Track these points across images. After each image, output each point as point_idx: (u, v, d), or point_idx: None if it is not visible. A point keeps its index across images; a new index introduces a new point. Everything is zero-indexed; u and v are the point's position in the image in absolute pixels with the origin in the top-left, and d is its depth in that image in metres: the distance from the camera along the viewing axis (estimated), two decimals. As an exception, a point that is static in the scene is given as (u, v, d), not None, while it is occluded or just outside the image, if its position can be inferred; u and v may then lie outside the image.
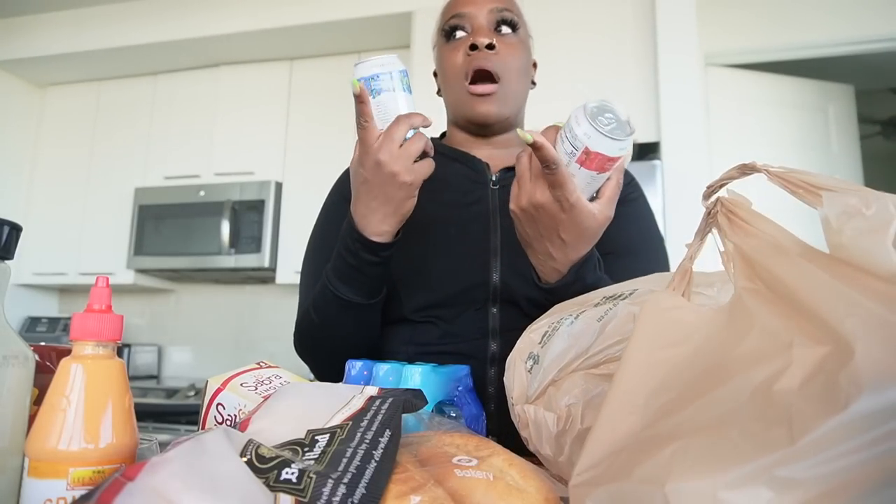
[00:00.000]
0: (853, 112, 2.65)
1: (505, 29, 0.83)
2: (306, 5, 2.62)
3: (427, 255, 0.81)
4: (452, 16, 0.84)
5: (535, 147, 0.57)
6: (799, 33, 2.43)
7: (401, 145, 0.63)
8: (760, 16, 2.46)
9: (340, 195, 0.89)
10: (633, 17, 2.26)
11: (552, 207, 0.60)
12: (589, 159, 0.57)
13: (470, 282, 0.79)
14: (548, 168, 0.58)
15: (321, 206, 0.93)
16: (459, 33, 0.83)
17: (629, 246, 0.70)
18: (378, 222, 0.67)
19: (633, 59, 2.23)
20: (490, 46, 0.79)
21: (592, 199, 0.62)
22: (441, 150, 0.88)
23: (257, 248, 2.62)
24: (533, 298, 0.71)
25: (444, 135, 0.97)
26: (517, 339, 0.79)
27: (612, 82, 2.24)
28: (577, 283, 0.65)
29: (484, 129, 0.86)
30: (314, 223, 0.92)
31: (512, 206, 0.64)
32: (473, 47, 0.79)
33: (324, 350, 0.79)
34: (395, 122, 0.64)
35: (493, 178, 0.85)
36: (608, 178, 0.60)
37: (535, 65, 0.92)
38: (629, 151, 0.59)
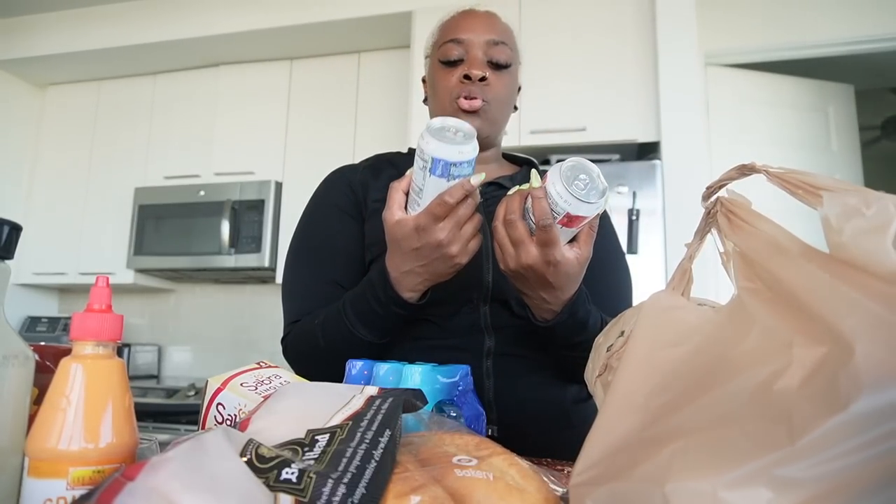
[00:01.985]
0: (853, 112, 2.65)
1: (498, 64, 0.87)
2: (306, 5, 2.62)
3: None
4: (450, 39, 0.87)
5: (534, 196, 0.62)
6: (799, 33, 2.43)
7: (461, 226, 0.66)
8: (760, 16, 2.46)
9: (329, 200, 0.90)
10: (633, 17, 2.26)
11: (540, 266, 0.65)
12: (570, 221, 0.62)
13: (465, 282, 0.80)
14: (542, 227, 0.62)
15: (304, 208, 0.93)
16: (456, 56, 0.86)
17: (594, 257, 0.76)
18: (416, 284, 0.71)
19: (633, 59, 2.23)
20: (483, 79, 0.84)
21: (571, 240, 0.67)
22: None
23: (257, 247, 2.62)
24: (521, 299, 0.75)
25: None
26: (509, 335, 0.81)
27: (612, 82, 2.24)
28: (570, 318, 0.71)
29: None
30: (297, 226, 0.92)
31: (501, 267, 0.69)
32: (468, 77, 0.84)
33: (320, 365, 0.80)
34: (465, 202, 0.65)
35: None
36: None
37: (518, 88, 0.96)
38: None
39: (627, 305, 0.87)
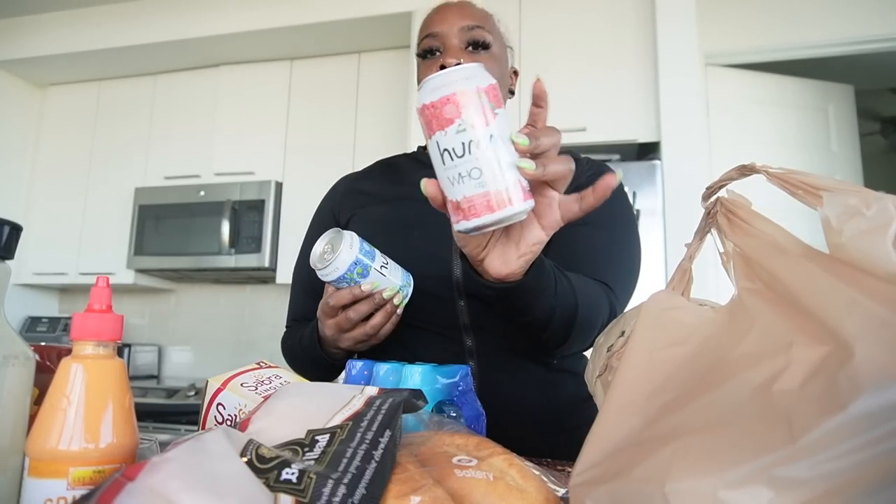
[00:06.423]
0: (853, 112, 2.65)
1: (476, 45, 0.83)
2: (306, 5, 2.62)
3: (392, 252, 0.79)
4: (426, 35, 0.86)
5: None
6: (799, 33, 2.43)
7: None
8: (760, 16, 2.46)
9: (323, 209, 0.95)
10: (633, 18, 2.26)
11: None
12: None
13: (433, 275, 0.79)
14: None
15: (315, 209, 0.97)
16: (432, 49, 0.85)
17: (590, 218, 0.63)
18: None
19: (633, 59, 2.23)
20: (458, 64, 0.81)
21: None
22: (417, 157, 0.96)
23: (257, 248, 2.62)
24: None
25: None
26: (490, 334, 0.79)
27: (612, 82, 2.24)
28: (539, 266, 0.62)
29: None
30: (308, 229, 0.96)
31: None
32: (444, 67, 0.81)
33: (305, 372, 0.84)
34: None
35: None
36: None
37: (515, 73, 0.94)
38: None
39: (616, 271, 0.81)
